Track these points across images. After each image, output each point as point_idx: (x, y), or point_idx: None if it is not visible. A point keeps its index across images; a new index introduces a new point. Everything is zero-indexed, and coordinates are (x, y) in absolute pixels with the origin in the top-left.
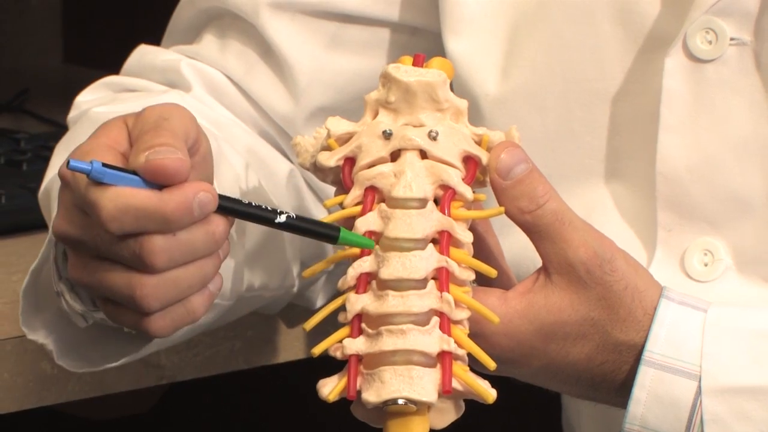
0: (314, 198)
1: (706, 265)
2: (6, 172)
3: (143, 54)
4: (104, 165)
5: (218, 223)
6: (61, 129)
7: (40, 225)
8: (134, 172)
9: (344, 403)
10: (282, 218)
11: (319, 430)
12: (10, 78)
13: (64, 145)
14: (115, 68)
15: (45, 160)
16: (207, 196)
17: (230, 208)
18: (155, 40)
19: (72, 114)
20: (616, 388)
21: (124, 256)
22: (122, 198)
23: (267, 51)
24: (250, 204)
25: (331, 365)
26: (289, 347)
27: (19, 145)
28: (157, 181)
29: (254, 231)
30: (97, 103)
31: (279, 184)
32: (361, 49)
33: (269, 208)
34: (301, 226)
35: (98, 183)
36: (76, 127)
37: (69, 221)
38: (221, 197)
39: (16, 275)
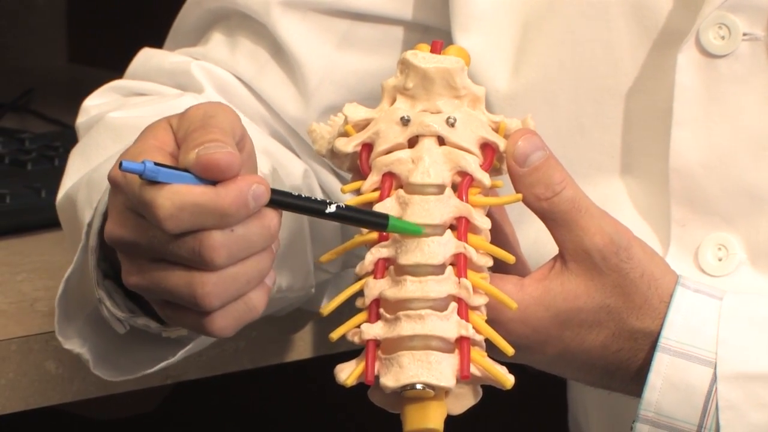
0: (326, 198)
1: (720, 259)
2: (10, 172)
3: (149, 57)
4: (156, 164)
5: (272, 216)
6: (67, 129)
7: (44, 225)
8: (186, 170)
9: (352, 402)
10: (332, 208)
11: (325, 429)
12: (15, 78)
13: (80, 151)
14: (120, 68)
15: (50, 160)
16: (260, 188)
17: (282, 201)
18: (161, 40)
19: (81, 119)
20: (632, 375)
21: (182, 256)
22: (178, 195)
23: (278, 50)
24: (299, 196)
25: (334, 366)
26: (294, 347)
27: (24, 144)
28: (210, 177)
29: (282, 234)
30: (108, 108)
31: (295, 184)
32: (372, 48)
33: (318, 198)
34: (351, 215)
35: (152, 183)
36: (92, 133)
37: (122, 225)
38: (273, 190)
39: (21, 275)
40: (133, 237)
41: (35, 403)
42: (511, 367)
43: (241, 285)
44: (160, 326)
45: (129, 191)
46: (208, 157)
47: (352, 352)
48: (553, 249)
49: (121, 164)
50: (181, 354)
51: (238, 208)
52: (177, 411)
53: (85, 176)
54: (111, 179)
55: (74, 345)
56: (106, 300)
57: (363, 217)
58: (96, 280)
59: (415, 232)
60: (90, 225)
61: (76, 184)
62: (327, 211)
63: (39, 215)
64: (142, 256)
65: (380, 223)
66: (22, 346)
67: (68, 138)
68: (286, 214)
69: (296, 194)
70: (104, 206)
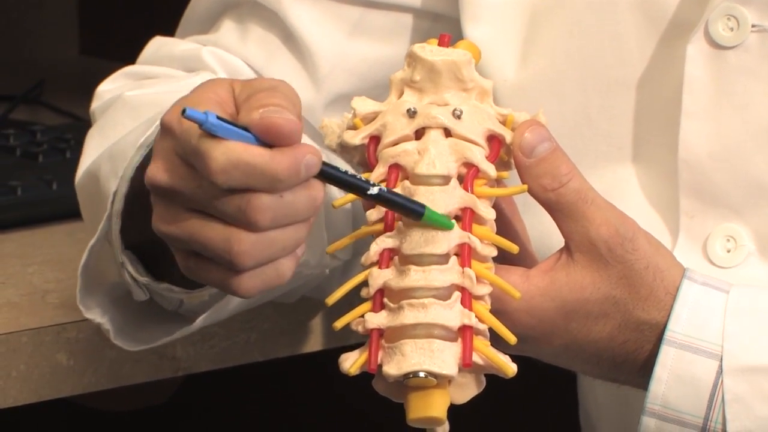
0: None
1: (728, 251)
2: (22, 164)
3: (160, 45)
4: (218, 117)
5: (319, 188)
6: (78, 121)
7: (55, 217)
8: (245, 129)
9: (362, 394)
10: (374, 190)
11: (334, 421)
12: (26, 70)
13: (98, 131)
14: (131, 60)
15: (61, 152)
16: (314, 159)
17: (330, 174)
18: (172, 31)
19: (96, 104)
20: (638, 367)
21: (226, 211)
22: (234, 152)
23: (288, 37)
24: (346, 172)
25: None
26: (305, 339)
27: (35, 137)
28: (269, 140)
29: None
30: (123, 90)
31: None
32: (383, 36)
33: (363, 178)
34: (391, 198)
35: (209, 135)
36: (109, 112)
37: (168, 170)
38: (323, 163)
39: (32, 267)
40: (177, 184)
41: (47, 394)
42: (521, 362)
43: (276, 250)
44: (183, 290)
45: (183, 138)
46: (272, 120)
47: (362, 344)
48: (559, 241)
49: (184, 110)
50: (199, 321)
51: (290, 175)
52: (188, 403)
53: (106, 151)
54: (164, 123)
55: (95, 315)
56: (128, 265)
57: (402, 203)
58: (120, 246)
59: (446, 226)
60: (116, 193)
61: (97, 160)
62: (369, 191)
63: (50, 207)
64: (180, 204)
65: (417, 211)
66: (34, 338)
67: (80, 130)
68: None
69: (344, 170)
70: (131, 171)
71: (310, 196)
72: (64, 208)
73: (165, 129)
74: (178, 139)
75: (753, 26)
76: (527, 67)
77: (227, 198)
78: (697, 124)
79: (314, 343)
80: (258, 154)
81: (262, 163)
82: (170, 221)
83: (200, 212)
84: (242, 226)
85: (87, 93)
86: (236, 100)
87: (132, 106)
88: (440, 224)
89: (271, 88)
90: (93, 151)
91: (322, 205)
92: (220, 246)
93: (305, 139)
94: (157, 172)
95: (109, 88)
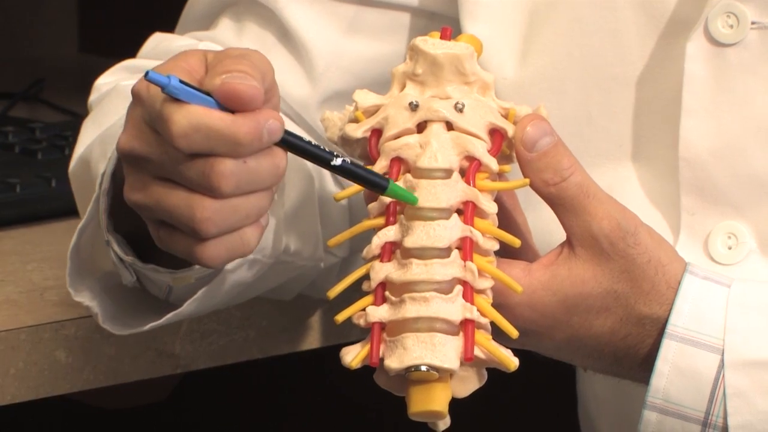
0: (333, 177)
1: (729, 248)
2: (21, 161)
3: (159, 41)
4: (181, 81)
5: (282, 156)
6: (77, 118)
7: (54, 214)
8: (208, 94)
9: (362, 391)
10: (338, 161)
11: (334, 417)
12: (25, 67)
13: (92, 120)
14: (130, 57)
15: (60, 150)
16: (276, 124)
17: (293, 142)
18: (171, 29)
19: (93, 97)
20: (639, 362)
21: (190, 177)
22: (195, 116)
23: (285, 35)
24: (310, 142)
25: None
26: (304, 336)
27: (35, 134)
28: (230, 105)
29: (291, 194)
30: (119, 82)
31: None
32: (379, 34)
33: (327, 149)
34: (355, 171)
35: (173, 99)
36: (104, 101)
37: (137, 137)
38: (286, 131)
39: (31, 264)
40: (145, 151)
41: (45, 392)
42: (521, 359)
43: (239, 218)
44: (168, 270)
45: (149, 104)
46: (232, 86)
47: (361, 341)
48: (561, 235)
49: (147, 73)
50: (188, 305)
51: (252, 139)
52: (187, 400)
53: (98, 137)
54: (134, 91)
55: (84, 298)
56: (114, 244)
57: (366, 176)
58: (105, 225)
59: (411, 201)
60: (104, 174)
61: (89, 146)
62: (333, 162)
63: (49, 204)
64: (149, 172)
65: (381, 184)
66: (32, 335)
67: (79, 127)
68: (297, 177)
69: (307, 139)
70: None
71: (273, 163)
72: (63, 206)
73: (135, 97)
74: (145, 105)
75: (752, 23)
76: (527, 65)
77: (191, 163)
78: (697, 121)
79: (313, 340)
80: (219, 117)
81: (223, 126)
82: (139, 189)
83: (167, 180)
84: (205, 193)
85: (86, 91)
86: (207, 68)
87: (126, 95)
88: (405, 199)
89: (240, 56)
90: (86, 139)
91: (315, 195)
92: (184, 213)
93: (291, 126)
94: (126, 140)
95: (107, 81)
